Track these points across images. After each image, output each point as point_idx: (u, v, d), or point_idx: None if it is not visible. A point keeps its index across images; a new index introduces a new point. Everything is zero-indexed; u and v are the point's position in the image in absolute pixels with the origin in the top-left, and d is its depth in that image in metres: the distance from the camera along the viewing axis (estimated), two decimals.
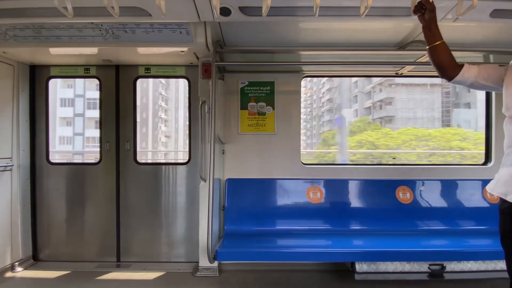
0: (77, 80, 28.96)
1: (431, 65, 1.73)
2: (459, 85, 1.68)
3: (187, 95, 3.33)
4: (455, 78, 1.61)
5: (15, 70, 3.03)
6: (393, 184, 3.15)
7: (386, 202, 3.11)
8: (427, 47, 1.65)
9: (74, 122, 31.70)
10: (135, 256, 3.26)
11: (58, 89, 31.01)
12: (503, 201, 1.49)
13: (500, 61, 3.07)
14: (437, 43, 1.62)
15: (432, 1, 1.62)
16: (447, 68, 1.62)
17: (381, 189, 3.14)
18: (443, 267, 2.55)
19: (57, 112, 31.08)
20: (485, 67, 1.57)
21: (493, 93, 3.25)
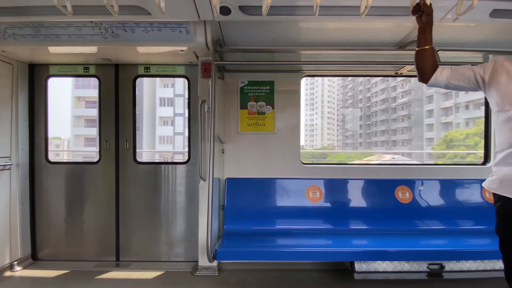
0: (177, 80, 29.48)
1: None
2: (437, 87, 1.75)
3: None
4: (429, 81, 1.68)
5: (14, 69, 3.02)
6: (392, 184, 3.15)
7: (385, 202, 3.11)
8: (416, 49, 1.70)
9: (174, 122, 32.32)
10: (134, 256, 3.26)
11: (157, 88, 32.12)
12: (507, 202, 1.46)
13: None
14: (426, 47, 1.67)
15: (430, 4, 1.64)
16: (427, 72, 1.68)
17: (381, 188, 3.15)
18: (442, 267, 2.55)
19: (157, 111, 32.04)
20: (456, 68, 1.66)
21: None
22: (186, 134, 3.36)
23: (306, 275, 2.89)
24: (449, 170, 3.30)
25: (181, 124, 31.93)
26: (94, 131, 30.90)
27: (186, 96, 3.35)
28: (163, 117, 32.86)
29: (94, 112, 31.11)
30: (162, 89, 32.83)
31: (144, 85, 30.89)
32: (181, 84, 30.04)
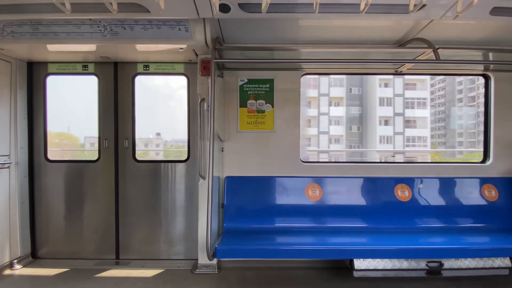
0: (396, 79, 30.74)
1: (430, 62, 1.73)
2: None
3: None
4: None
5: (12, 67, 3.01)
6: (392, 182, 3.16)
7: (385, 200, 3.12)
8: None
9: (394, 121, 32.72)
10: (134, 254, 3.26)
11: (377, 88, 32.87)
12: None
13: (500, 59, 3.08)
14: None
15: None
16: None
17: (380, 187, 3.15)
18: (441, 264, 2.56)
19: (377, 111, 32.75)
20: None
21: (493, 93, 3.25)
22: (406, 134, 3.36)
23: (305, 273, 2.90)
24: (448, 168, 3.30)
25: (401, 124, 32.76)
26: (306, 131, 32.48)
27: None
28: (382, 117, 33.54)
29: (306, 112, 32.81)
30: (382, 89, 33.52)
31: (368, 84, 32.42)
32: (400, 84, 31.23)
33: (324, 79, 32.95)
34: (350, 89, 34.07)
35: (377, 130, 32.99)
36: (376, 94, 33.12)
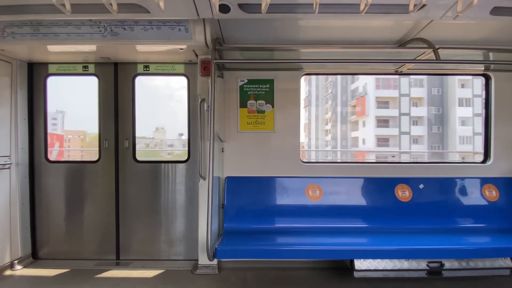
0: (475, 80, 30.85)
1: (431, 62, 1.73)
2: None
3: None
4: None
5: (13, 68, 3.01)
6: (392, 182, 3.15)
7: (385, 200, 3.11)
8: None
9: (473, 122, 32.94)
10: (134, 254, 3.26)
11: (456, 88, 33.32)
12: None
13: (500, 59, 3.07)
14: None
15: None
16: None
17: (380, 187, 3.15)
18: (442, 265, 2.55)
19: (456, 112, 33.19)
20: None
21: (493, 93, 3.25)
22: (483, 134, 3.37)
23: (306, 273, 2.90)
24: (449, 168, 3.29)
25: (480, 124, 32.77)
26: (385, 131, 33.37)
27: (484, 96, 3.33)
28: (461, 117, 33.92)
29: (385, 112, 33.69)
30: (461, 90, 33.89)
31: (448, 84, 32.95)
32: (479, 85, 31.24)
33: (404, 79, 33.40)
34: (431, 89, 34.44)
35: (457, 130, 33.33)
36: (455, 94, 33.48)
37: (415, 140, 33.93)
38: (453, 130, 33.46)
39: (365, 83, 36.04)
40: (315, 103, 49.99)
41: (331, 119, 44.32)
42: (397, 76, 26.58)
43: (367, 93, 35.70)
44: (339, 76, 35.33)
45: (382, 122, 34.98)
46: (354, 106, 39.18)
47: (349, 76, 34.16)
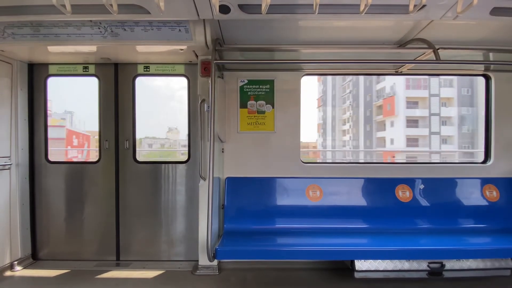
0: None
1: (431, 63, 1.73)
2: None
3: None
4: None
5: (13, 69, 3.01)
6: (392, 183, 3.15)
7: (385, 201, 3.11)
8: None
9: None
10: (134, 255, 3.26)
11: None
12: None
13: (501, 59, 3.08)
14: None
15: None
16: None
17: (381, 187, 3.14)
18: (443, 265, 2.55)
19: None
20: None
21: (493, 93, 3.25)
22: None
23: (306, 274, 2.89)
24: (449, 168, 3.29)
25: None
26: (414, 131, 33.34)
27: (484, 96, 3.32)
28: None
29: (415, 113, 33.70)
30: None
31: (478, 84, 33.62)
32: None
33: (434, 79, 33.47)
34: (461, 89, 34.60)
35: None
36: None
37: (444, 140, 34.04)
38: (482, 130, 33.50)
39: (394, 83, 36.16)
40: (331, 103, 50.00)
41: (351, 119, 44.25)
42: (427, 77, 26.68)
43: (396, 93, 35.72)
44: (361, 76, 35.40)
45: (412, 122, 35.17)
46: (380, 106, 39.22)
47: (374, 76, 34.21)
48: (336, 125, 48.51)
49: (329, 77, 44.19)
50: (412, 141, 34.58)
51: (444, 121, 34.30)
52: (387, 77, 32.26)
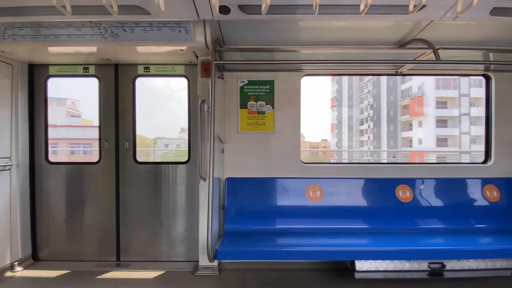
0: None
1: (431, 63, 1.73)
2: None
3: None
4: None
5: (13, 69, 3.02)
6: (393, 183, 3.15)
7: (386, 201, 3.11)
8: None
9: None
10: (135, 255, 3.26)
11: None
12: None
13: (501, 59, 3.08)
14: None
15: None
16: None
17: (381, 187, 3.14)
18: (443, 266, 2.55)
19: None
20: None
21: (493, 93, 3.25)
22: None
23: (306, 275, 2.89)
24: (449, 169, 3.29)
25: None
26: (444, 131, 33.40)
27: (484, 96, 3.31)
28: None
29: (445, 112, 33.85)
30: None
31: None
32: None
33: (464, 79, 33.50)
34: None
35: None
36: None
37: (473, 140, 34.01)
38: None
39: (422, 83, 36.04)
40: (347, 103, 49.82)
41: (371, 118, 44.08)
42: (456, 77, 26.56)
43: (425, 93, 35.63)
44: (384, 76, 35.40)
45: (441, 122, 35.24)
46: (405, 106, 39.12)
47: (399, 77, 34.24)
48: (353, 125, 48.31)
49: (345, 77, 44.00)
50: (441, 141, 34.63)
51: (473, 121, 34.33)
52: (414, 77, 32.18)
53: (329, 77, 43.83)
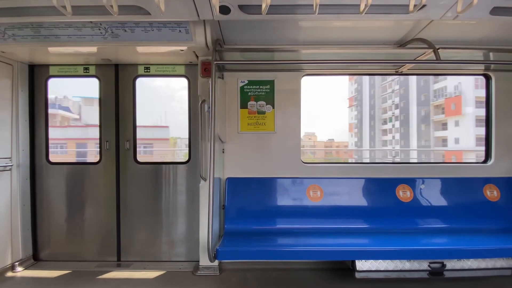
0: None
1: (431, 63, 1.73)
2: None
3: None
4: None
5: (14, 70, 3.02)
6: (393, 183, 3.15)
7: (386, 201, 3.11)
8: None
9: None
10: (135, 256, 3.26)
11: None
12: None
13: (501, 59, 3.08)
14: None
15: None
16: None
17: (381, 187, 3.14)
18: (444, 265, 2.55)
19: None
20: None
21: (493, 93, 3.25)
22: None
23: (307, 274, 2.89)
24: (450, 168, 3.29)
25: None
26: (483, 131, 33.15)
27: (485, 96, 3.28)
28: None
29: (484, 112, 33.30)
30: None
31: None
32: None
33: None
34: None
35: None
36: None
37: None
38: None
39: (459, 82, 35.86)
40: (368, 102, 49.56)
41: (396, 118, 43.88)
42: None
43: (463, 93, 35.48)
44: (414, 76, 35.14)
45: (480, 121, 35.10)
46: (438, 105, 38.97)
47: (431, 76, 33.79)
48: (375, 124, 48.12)
49: (366, 77, 43.67)
50: (479, 140, 34.59)
51: None
52: (449, 77, 31.86)
53: (347, 77, 43.49)
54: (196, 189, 3.13)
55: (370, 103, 49.40)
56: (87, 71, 3.24)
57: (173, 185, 3.30)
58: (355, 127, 51.91)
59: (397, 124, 43.98)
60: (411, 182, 3.15)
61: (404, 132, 42.41)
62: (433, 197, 3.14)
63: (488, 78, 3.29)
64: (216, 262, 2.82)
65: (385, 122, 46.91)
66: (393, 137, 44.63)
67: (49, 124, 3.28)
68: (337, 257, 2.66)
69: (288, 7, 2.14)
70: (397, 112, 44.15)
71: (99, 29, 2.40)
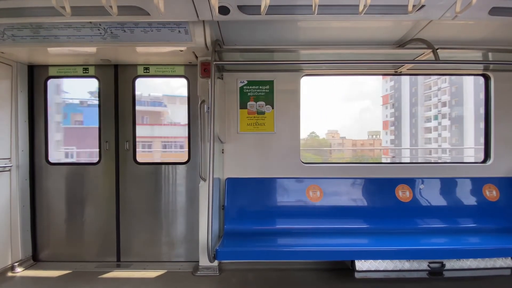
0: None
1: (430, 63, 1.73)
2: None
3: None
4: None
5: (13, 70, 3.02)
6: (392, 183, 3.15)
7: (385, 201, 3.11)
8: None
9: None
10: (135, 256, 3.26)
11: None
12: None
13: (500, 59, 3.08)
14: None
15: None
16: None
17: (381, 187, 3.14)
18: (443, 265, 2.55)
19: None
20: None
21: (493, 93, 3.25)
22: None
23: (307, 275, 2.89)
24: (449, 168, 3.29)
25: None
26: None
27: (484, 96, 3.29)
28: None
29: None
30: None
31: None
32: None
33: None
34: None
35: None
36: None
37: None
38: None
39: None
40: (408, 100, 49.18)
41: (443, 116, 43.60)
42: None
43: None
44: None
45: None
46: None
47: None
48: (417, 122, 47.77)
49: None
50: None
51: None
52: None
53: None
54: (195, 190, 3.13)
55: (411, 101, 48.86)
56: (87, 71, 3.24)
57: (172, 186, 3.30)
58: (391, 125, 51.57)
59: (444, 122, 43.69)
60: (410, 182, 3.15)
61: (456, 129, 41.74)
62: (433, 197, 3.14)
63: (487, 78, 3.29)
64: (215, 263, 2.83)
65: (429, 120, 46.46)
66: (439, 134, 44.29)
67: (49, 124, 3.28)
68: (336, 257, 2.66)
69: (287, 7, 2.15)
70: (444, 109, 43.86)
71: (99, 30, 2.40)
